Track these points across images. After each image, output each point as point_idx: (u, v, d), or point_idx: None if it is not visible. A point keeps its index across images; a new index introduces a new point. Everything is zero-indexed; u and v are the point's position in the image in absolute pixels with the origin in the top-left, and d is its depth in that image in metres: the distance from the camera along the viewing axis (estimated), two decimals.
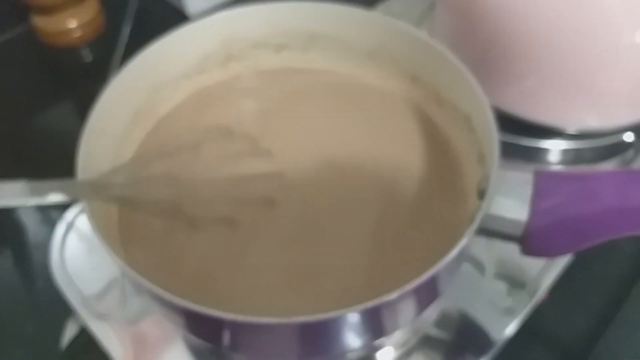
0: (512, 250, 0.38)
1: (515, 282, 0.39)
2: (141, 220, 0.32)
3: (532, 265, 0.39)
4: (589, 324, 0.40)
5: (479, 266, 0.39)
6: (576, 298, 0.40)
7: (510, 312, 0.37)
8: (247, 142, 0.35)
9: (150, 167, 0.33)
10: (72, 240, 0.41)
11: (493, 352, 0.36)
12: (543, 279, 0.39)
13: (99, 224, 0.26)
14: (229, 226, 0.32)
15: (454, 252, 0.25)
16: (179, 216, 0.32)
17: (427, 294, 0.29)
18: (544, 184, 0.28)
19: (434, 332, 0.37)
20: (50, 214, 0.46)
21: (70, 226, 0.42)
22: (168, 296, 0.24)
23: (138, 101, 0.34)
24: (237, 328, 0.25)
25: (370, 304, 0.24)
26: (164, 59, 0.35)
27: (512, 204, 0.28)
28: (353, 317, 0.25)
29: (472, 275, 0.39)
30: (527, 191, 0.28)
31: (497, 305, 0.38)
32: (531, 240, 0.28)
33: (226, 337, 0.27)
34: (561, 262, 0.39)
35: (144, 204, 0.32)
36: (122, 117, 0.33)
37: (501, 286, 0.38)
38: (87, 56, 0.58)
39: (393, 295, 0.24)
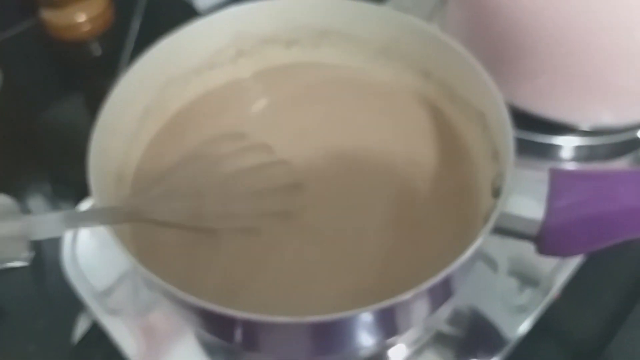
0: (525, 248, 0.38)
1: (528, 280, 0.38)
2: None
3: (546, 263, 0.38)
4: (602, 322, 0.39)
5: (492, 264, 0.39)
6: (589, 296, 0.40)
7: (523, 311, 0.37)
8: (264, 150, 0.35)
9: (169, 180, 0.33)
10: (84, 235, 0.41)
11: (505, 350, 0.36)
12: (556, 277, 0.38)
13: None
14: (250, 235, 0.32)
15: (468, 252, 0.25)
16: (201, 229, 0.32)
17: (441, 293, 0.29)
18: (560, 182, 0.27)
19: (447, 329, 0.37)
20: (62, 208, 0.46)
21: None
22: (181, 294, 0.24)
23: (148, 97, 0.34)
24: (251, 327, 0.25)
25: (384, 304, 0.23)
26: (175, 54, 0.34)
27: (527, 202, 0.28)
28: (367, 317, 0.25)
29: (485, 273, 0.39)
30: (543, 190, 0.27)
31: (510, 304, 0.37)
32: (547, 240, 0.27)
33: (239, 336, 0.27)
34: (574, 261, 0.39)
35: (167, 221, 0.31)
36: (132, 114, 0.33)
37: (514, 284, 0.38)
38: (96, 50, 0.58)
39: (407, 296, 0.24)
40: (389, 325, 0.28)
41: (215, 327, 0.27)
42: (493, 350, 0.36)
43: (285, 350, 0.28)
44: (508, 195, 0.27)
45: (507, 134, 0.28)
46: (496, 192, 0.29)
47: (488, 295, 0.38)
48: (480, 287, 0.38)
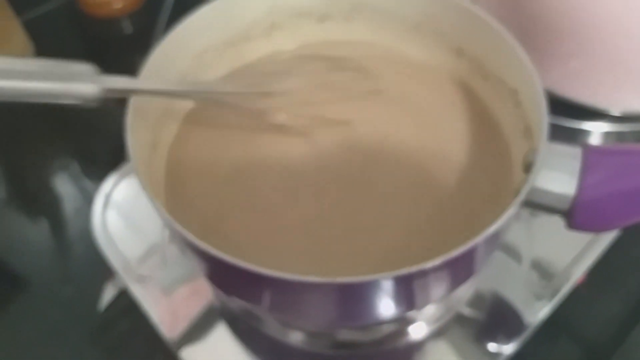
0: (549, 239, 0.38)
1: (551, 270, 0.38)
2: (186, 177, 0.33)
3: (569, 253, 0.39)
4: (624, 310, 0.39)
5: (516, 256, 0.39)
6: (612, 285, 0.40)
7: (544, 297, 0.37)
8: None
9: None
10: (111, 209, 0.42)
11: (525, 335, 0.36)
12: (579, 265, 0.38)
13: (146, 181, 0.27)
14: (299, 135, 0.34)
15: (498, 223, 0.25)
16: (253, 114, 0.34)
17: (465, 267, 0.29)
18: (592, 158, 0.27)
19: (468, 311, 0.37)
20: (87, 185, 0.47)
21: (109, 196, 0.43)
22: (213, 251, 0.24)
23: (184, 65, 0.34)
24: (279, 286, 0.25)
25: (412, 269, 0.23)
26: (210, 25, 0.35)
27: (559, 177, 0.27)
28: (394, 282, 0.25)
29: (509, 263, 0.39)
30: (575, 165, 0.27)
31: (532, 290, 0.37)
32: (578, 215, 0.27)
33: (266, 296, 0.27)
34: (598, 249, 0.39)
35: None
36: (169, 80, 0.33)
37: (536, 273, 0.38)
38: (128, 28, 0.58)
39: (436, 262, 0.24)
40: (412, 294, 0.28)
41: (232, 281, 0.28)
42: (512, 335, 0.36)
43: (311, 314, 0.28)
44: (540, 169, 0.26)
45: (541, 109, 0.28)
46: (528, 167, 0.29)
47: (510, 282, 0.38)
48: (503, 275, 0.38)
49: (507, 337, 0.36)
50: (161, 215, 0.26)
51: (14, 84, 0.27)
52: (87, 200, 0.46)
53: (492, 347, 0.36)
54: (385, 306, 0.28)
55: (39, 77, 0.28)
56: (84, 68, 0.29)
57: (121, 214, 0.42)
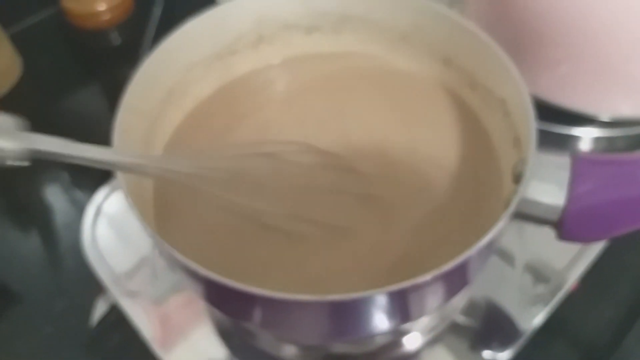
0: (542, 245, 0.38)
1: (545, 275, 0.38)
2: (176, 198, 0.33)
3: (562, 258, 0.39)
4: (619, 315, 0.39)
5: (509, 260, 0.39)
6: (606, 290, 0.40)
7: (538, 303, 0.37)
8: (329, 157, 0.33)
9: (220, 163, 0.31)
10: (102, 222, 0.42)
11: (520, 342, 0.36)
12: (572, 270, 0.38)
13: (134, 201, 0.27)
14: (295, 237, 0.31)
15: (489, 236, 0.25)
16: (247, 218, 0.30)
17: (459, 278, 0.29)
18: (581, 167, 0.27)
19: (462, 320, 0.37)
20: (78, 196, 0.47)
21: (99, 208, 0.42)
22: (202, 271, 0.24)
23: (171, 79, 0.34)
24: (271, 305, 0.25)
25: (403, 284, 0.23)
26: (197, 38, 0.35)
27: (548, 188, 0.27)
28: (385, 298, 0.25)
29: (502, 268, 0.39)
30: (564, 175, 0.27)
31: (526, 296, 0.37)
32: (568, 225, 0.27)
33: (258, 314, 0.27)
34: (591, 254, 0.39)
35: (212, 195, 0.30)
36: (156, 95, 0.33)
37: (530, 278, 0.38)
38: (116, 39, 0.58)
39: (426, 277, 0.24)
40: (406, 308, 0.28)
41: (222, 299, 0.28)
42: (507, 342, 0.36)
43: (303, 330, 0.28)
44: (529, 180, 0.26)
45: (529, 119, 0.28)
46: (517, 178, 0.29)
47: (504, 288, 0.38)
48: (497, 281, 0.38)
49: (503, 344, 0.36)
50: (150, 235, 0.26)
51: None
52: (78, 212, 0.45)
53: (487, 354, 0.36)
54: (378, 320, 0.28)
55: None
56: (6, 121, 0.26)
57: (111, 226, 0.42)
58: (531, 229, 0.39)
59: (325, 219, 0.31)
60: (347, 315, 0.26)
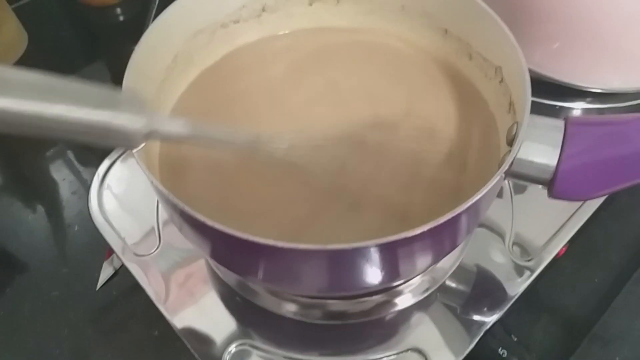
0: (531, 214, 0.39)
1: (533, 245, 0.39)
2: (182, 157, 0.33)
3: (550, 228, 0.40)
4: (606, 281, 0.40)
5: (499, 231, 0.40)
6: (592, 256, 0.41)
7: (526, 271, 0.38)
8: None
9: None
10: (107, 191, 0.43)
11: (508, 305, 0.37)
12: (560, 239, 0.40)
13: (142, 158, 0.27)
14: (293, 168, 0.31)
15: (483, 191, 0.26)
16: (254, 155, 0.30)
17: (450, 236, 0.29)
18: (574, 129, 0.28)
19: (453, 283, 0.38)
20: (81, 169, 0.48)
21: (104, 178, 0.43)
22: (209, 222, 0.24)
23: (177, 46, 0.35)
24: (273, 254, 0.25)
25: (401, 235, 0.24)
26: (202, 6, 0.35)
27: (542, 148, 0.28)
28: (382, 249, 0.26)
29: (492, 238, 0.40)
30: (558, 136, 0.28)
31: (514, 264, 0.39)
32: (560, 184, 0.28)
33: (261, 266, 0.28)
34: (578, 223, 0.40)
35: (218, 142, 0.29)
36: (162, 61, 0.34)
37: (519, 246, 0.39)
38: (120, 15, 0.59)
39: (422, 229, 0.24)
40: (399, 262, 0.29)
41: (226, 252, 0.28)
42: (496, 306, 0.37)
43: (304, 281, 0.29)
44: (523, 141, 0.27)
45: (524, 83, 0.29)
46: (511, 140, 0.30)
47: (493, 257, 0.39)
48: (487, 250, 0.39)
49: (491, 308, 0.37)
50: (156, 189, 0.26)
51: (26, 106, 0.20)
52: (83, 182, 0.46)
53: (476, 317, 0.37)
54: (372, 274, 0.28)
55: (65, 99, 0.21)
56: (129, 97, 0.23)
57: (116, 195, 0.43)
58: (520, 203, 0.40)
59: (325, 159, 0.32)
60: (344, 267, 0.27)
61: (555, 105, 0.46)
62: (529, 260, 0.39)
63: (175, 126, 0.25)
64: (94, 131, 0.21)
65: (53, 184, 0.47)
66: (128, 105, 0.23)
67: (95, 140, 0.22)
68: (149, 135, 0.23)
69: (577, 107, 0.47)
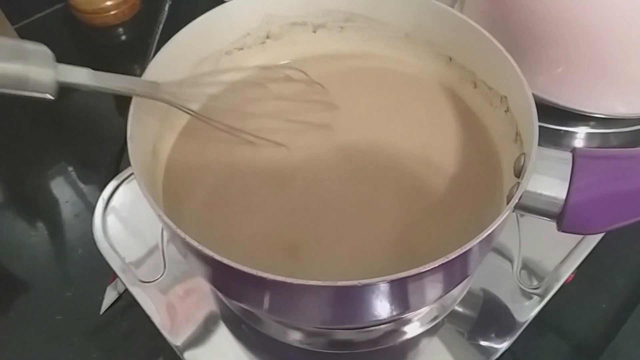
0: (539, 239, 0.39)
1: (541, 270, 0.39)
2: (185, 183, 0.34)
3: (558, 253, 0.40)
4: (614, 307, 0.40)
5: (508, 255, 0.40)
6: (601, 281, 0.41)
7: (535, 296, 0.38)
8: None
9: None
10: (111, 214, 0.43)
11: (517, 332, 0.37)
12: (568, 265, 0.39)
13: (146, 185, 0.27)
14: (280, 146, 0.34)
15: (493, 227, 0.26)
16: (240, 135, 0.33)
17: (460, 269, 0.29)
18: (582, 162, 0.28)
19: (461, 310, 0.38)
20: (85, 190, 0.47)
21: (109, 201, 0.43)
22: (216, 256, 0.24)
23: (182, 74, 0.35)
24: (280, 289, 0.25)
25: (413, 271, 0.24)
26: (207, 34, 0.36)
27: (550, 181, 0.28)
28: (393, 285, 0.26)
29: (501, 262, 0.40)
30: (566, 169, 0.28)
31: (523, 290, 0.38)
32: (569, 218, 0.28)
33: (266, 298, 0.28)
34: (587, 249, 0.40)
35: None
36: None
37: (527, 272, 0.39)
38: (122, 35, 0.59)
39: (434, 265, 0.24)
40: (408, 296, 0.29)
41: (230, 284, 0.28)
42: (505, 333, 0.37)
43: (311, 315, 0.29)
44: (531, 174, 0.27)
45: (531, 114, 0.29)
46: (519, 172, 0.29)
47: (502, 282, 0.39)
48: (495, 275, 0.39)
49: (500, 335, 0.37)
50: (162, 221, 0.26)
51: None
52: (87, 205, 0.46)
53: (485, 344, 0.36)
54: (381, 308, 0.28)
55: None
56: (39, 50, 0.26)
57: (120, 218, 0.42)
58: (528, 227, 0.40)
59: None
60: (352, 302, 0.27)
61: (560, 130, 0.46)
62: (537, 288, 0.38)
63: (80, 76, 0.28)
64: (8, 83, 0.25)
65: (56, 205, 0.47)
66: (37, 57, 0.26)
67: (9, 91, 0.25)
68: (58, 84, 0.27)
69: (581, 132, 0.47)
